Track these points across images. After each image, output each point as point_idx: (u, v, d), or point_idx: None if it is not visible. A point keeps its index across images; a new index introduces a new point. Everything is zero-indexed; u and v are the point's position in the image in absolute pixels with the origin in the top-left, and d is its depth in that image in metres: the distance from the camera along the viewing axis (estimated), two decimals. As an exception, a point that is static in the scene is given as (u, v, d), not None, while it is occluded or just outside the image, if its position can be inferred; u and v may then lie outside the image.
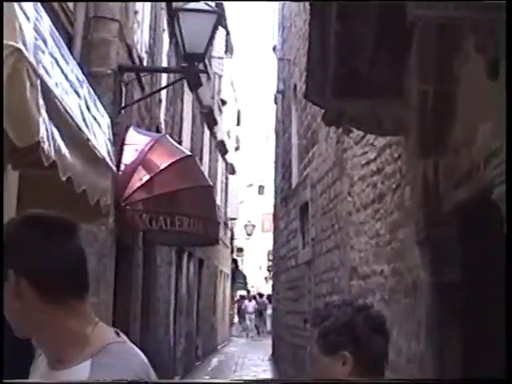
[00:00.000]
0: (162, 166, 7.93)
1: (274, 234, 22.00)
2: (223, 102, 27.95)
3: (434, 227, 5.41)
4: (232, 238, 37.35)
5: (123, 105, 7.63)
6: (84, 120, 4.26)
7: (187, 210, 7.89)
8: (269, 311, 32.61)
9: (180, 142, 16.04)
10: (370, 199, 7.88)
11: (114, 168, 5.10)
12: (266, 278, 44.74)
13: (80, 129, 4.06)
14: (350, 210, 8.88)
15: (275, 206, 20.78)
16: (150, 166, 7.92)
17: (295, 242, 14.62)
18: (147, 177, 7.79)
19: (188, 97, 17.72)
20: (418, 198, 5.76)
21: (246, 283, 45.32)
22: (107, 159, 4.80)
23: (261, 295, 40.47)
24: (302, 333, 13.04)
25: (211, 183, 8.88)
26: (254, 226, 38.53)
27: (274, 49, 22.14)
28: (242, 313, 37.42)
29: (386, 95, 6.14)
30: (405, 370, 6.43)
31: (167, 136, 9.13)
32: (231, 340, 32.89)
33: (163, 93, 12.97)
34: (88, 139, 4.22)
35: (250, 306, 36.62)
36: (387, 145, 7.30)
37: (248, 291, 45.29)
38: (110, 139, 5.11)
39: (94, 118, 4.70)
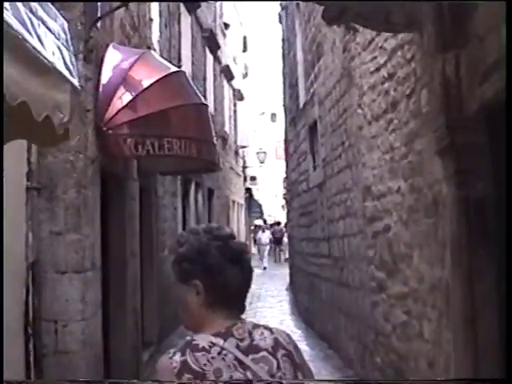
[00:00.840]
0: (147, 84, 7.12)
1: (286, 159, 21.26)
2: (226, 26, 26.99)
3: (458, 132, 4.69)
4: (244, 167, 36.78)
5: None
6: (22, 20, 3.46)
7: (177, 131, 7.11)
8: (286, 239, 32.21)
9: (179, 67, 15.30)
10: (382, 109, 7.18)
11: (76, 81, 4.29)
12: (282, 206, 44.30)
13: (13, 28, 3.26)
14: (361, 124, 8.19)
15: (285, 129, 19.99)
16: (133, 85, 7.12)
17: (305, 164, 13.97)
18: (130, 97, 7.01)
19: (186, 19, 16.80)
20: (438, 101, 5.04)
21: (262, 212, 44.80)
22: (61, 68, 4.00)
23: (278, 223, 40.04)
24: (317, 260, 12.55)
25: (204, 101, 8.05)
26: (265, 153, 37.61)
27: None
28: (256, 244, 35.97)
29: (395, -16, 5.36)
30: (428, 299, 5.80)
31: (152, 52, 8.28)
32: (248, 270, 32.46)
33: (154, 12, 12.09)
34: (25, 40, 3.41)
35: (264, 236, 34.82)
36: (398, 46, 6.54)
37: (265, 220, 44.85)
38: (67, 46, 4.29)
39: (42, 21, 3.88)
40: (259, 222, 44.31)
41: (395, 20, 5.63)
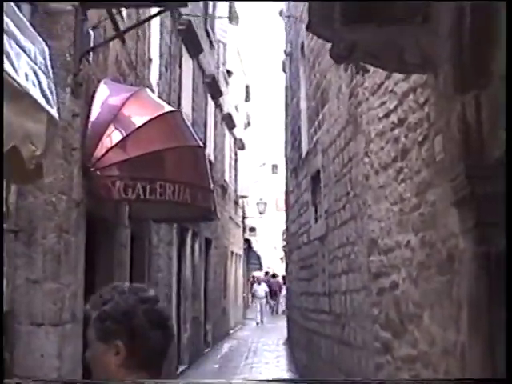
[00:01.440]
0: (140, 123, 6.68)
1: (286, 211, 20.86)
2: (229, 73, 26.77)
3: (479, 181, 4.23)
4: (244, 217, 36.33)
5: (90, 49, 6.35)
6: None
7: (171, 175, 6.64)
8: (284, 292, 31.69)
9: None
10: (391, 157, 6.76)
11: (54, 111, 3.85)
12: (281, 258, 43.95)
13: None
14: (367, 173, 7.77)
15: (286, 179, 19.61)
16: (125, 123, 6.69)
17: (307, 216, 13.53)
18: (121, 136, 6.56)
19: (187, 63, 16.49)
20: (455, 147, 4.61)
21: (261, 264, 44.28)
22: (36, 94, 3.56)
23: (274, 276, 39.70)
24: (317, 316, 12.04)
25: (201, 144, 7.60)
26: (265, 204, 37.22)
27: (281, 13, 20.97)
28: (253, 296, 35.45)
29: (409, 21, 4.97)
30: (440, 365, 5.28)
31: (147, 90, 7.85)
32: (246, 323, 31.84)
33: (154, 52, 11.75)
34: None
35: (260, 289, 33.97)
36: (411, 89, 6.15)
37: (267, 272, 44.31)
38: (45, 71, 3.86)
39: (15, 39, 3.45)
40: (259, 273, 43.84)
41: (408, 59, 5.23)
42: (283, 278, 33.70)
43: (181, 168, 6.84)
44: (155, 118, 6.83)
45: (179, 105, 15.15)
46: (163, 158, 6.74)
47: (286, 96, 19.56)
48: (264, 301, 33.21)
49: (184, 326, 16.22)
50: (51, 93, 3.91)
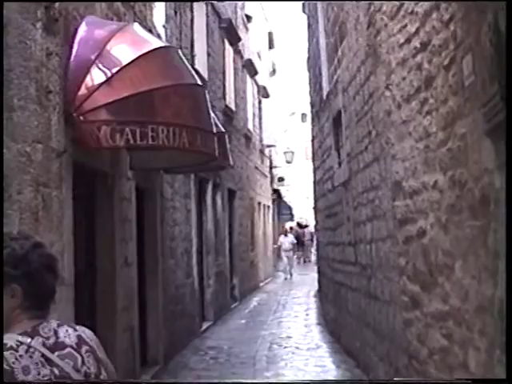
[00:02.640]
0: (128, 60, 5.92)
1: (312, 157, 20.13)
2: (248, 18, 25.77)
3: (518, 102, 3.47)
4: (271, 167, 35.59)
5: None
6: None
7: (164, 117, 5.89)
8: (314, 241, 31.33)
9: (193, 57, 14.23)
10: (414, 88, 6.04)
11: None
12: (313, 207, 43.33)
13: None
14: (389, 108, 7.07)
15: (312, 125, 18.83)
16: (111, 61, 5.92)
17: (330, 161, 12.85)
18: (105, 76, 5.82)
19: (200, 7, 15.62)
20: (487, 67, 3.85)
21: (292, 214, 43.60)
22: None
23: (301, 226, 39.11)
24: (343, 268, 11.42)
25: (199, 82, 6.84)
26: (293, 153, 36.26)
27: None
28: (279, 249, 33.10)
29: None
30: (474, 323, 4.59)
31: (137, 24, 7.08)
32: (277, 276, 31.30)
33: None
34: None
35: (286, 241, 31.25)
36: (434, 6, 5.35)
37: (300, 224, 43.79)
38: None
39: None
40: (292, 223, 43.31)
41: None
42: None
43: (176, 109, 6.07)
44: (146, 53, 6.06)
45: (192, 50, 14.41)
46: (155, 99, 5.97)
47: (308, 38, 18.68)
48: (291, 253, 31.35)
49: (207, 282, 15.68)
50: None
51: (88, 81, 5.83)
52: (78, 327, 2.56)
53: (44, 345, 2.38)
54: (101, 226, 7.33)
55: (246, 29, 25.47)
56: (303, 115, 52.67)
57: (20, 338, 2.35)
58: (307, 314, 17.36)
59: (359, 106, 9.02)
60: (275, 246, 33.49)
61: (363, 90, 8.63)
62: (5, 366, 2.25)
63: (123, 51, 6.18)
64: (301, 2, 20.19)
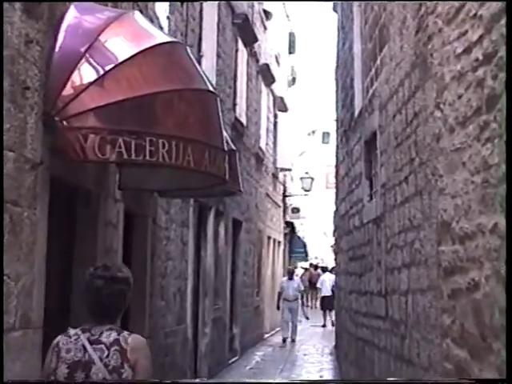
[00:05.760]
0: (125, 56, 5.82)
1: (336, 187, 20.16)
2: (267, 15, 25.94)
3: None
4: (285, 195, 35.71)
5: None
6: None
7: (166, 128, 5.79)
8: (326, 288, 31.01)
9: (200, 57, 14.27)
10: (473, 108, 5.95)
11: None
12: (332, 246, 43.29)
13: None
14: (439, 133, 7.02)
15: (337, 147, 18.86)
16: (104, 56, 5.83)
17: (359, 191, 12.82)
18: (97, 73, 5.73)
19: (211, -1, 15.72)
20: None
21: (306, 253, 43.63)
22: None
23: (316, 267, 39.01)
24: (369, 322, 11.35)
25: (211, 88, 6.75)
26: (312, 180, 36.40)
27: None
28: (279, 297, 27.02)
29: None
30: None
31: (138, 13, 7.00)
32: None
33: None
34: None
35: (291, 287, 26.94)
36: (503, 10, 5.25)
37: (315, 266, 43.69)
38: None
39: None
40: (304, 264, 43.29)
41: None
42: (331, 270, 33.08)
43: (180, 119, 5.97)
44: (147, 49, 5.98)
45: (199, 50, 14.54)
46: (156, 105, 5.87)
47: (338, 42, 18.73)
48: (295, 304, 27.34)
49: (203, 330, 15.63)
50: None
51: (75, 78, 5.78)
52: (124, 333, 4.46)
53: (88, 339, 4.35)
54: (80, 256, 7.27)
55: (264, 27, 25.65)
56: (325, 134, 53.02)
57: (77, 331, 4.42)
58: (321, 376, 17.25)
59: (400, 127, 8.99)
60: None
61: (406, 109, 8.61)
62: (60, 345, 4.38)
63: (120, 45, 6.16)
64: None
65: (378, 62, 10.76)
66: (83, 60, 5.83)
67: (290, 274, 27.76)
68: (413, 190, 8.28)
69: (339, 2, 18.11)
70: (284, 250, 36.57)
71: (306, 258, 44.22)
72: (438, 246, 7.01)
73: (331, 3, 20.30)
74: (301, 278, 37.84)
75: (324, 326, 32.01)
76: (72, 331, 4.37)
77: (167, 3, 11.41)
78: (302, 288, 28.70)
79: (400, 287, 8.99)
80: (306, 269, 41.20)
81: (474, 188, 5.90)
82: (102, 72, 5.84)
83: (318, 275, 37.02)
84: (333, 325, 30.94)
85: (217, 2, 16.43)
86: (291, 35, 36.16)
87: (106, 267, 4.58)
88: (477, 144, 5.84)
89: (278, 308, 26.91)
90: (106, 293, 4.44)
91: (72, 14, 6.08)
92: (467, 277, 6.04)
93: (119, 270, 4.66)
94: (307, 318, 30.17)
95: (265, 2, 25.56)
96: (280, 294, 26.96)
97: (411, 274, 8.36)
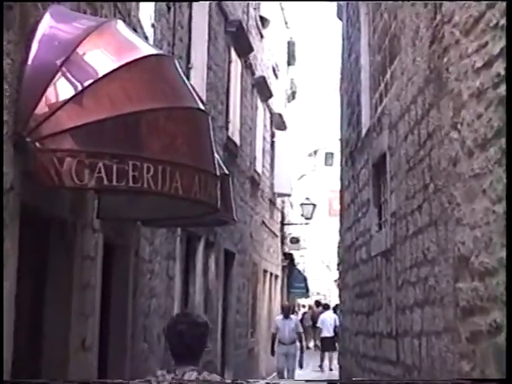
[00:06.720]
0: (106, 70, 5.86)
1: (341, 215, 20.25)
2: (263, 22, 26.17)
3: None
4: (283, 224, 35.89)
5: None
6: None
7: (151, 151, 5.83)
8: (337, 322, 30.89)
9: (188, 69, 14.39)
10: (494, 129, 6.09)
11: None
12: (336, 281, 43.35)
13: None
14: (456, 156, 7.15)
15: (341, 171, 18.99)
16: (83, 70, 5.88)
17: (367, 220, 12.97)
18: (75, 89, 5.79)
19: (201, 3, 15.83)
20: None
21: (307, 288, 43.84)
22: None
23: (319, 304, 39.09)
24: (378, 367, 11.40)
25: (201, 106, 6.82)
26: (314, 206, 36.64)
27: None
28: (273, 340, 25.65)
29: None
30: None
31: (122, 23, 7.07)
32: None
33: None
34: None
35: (286, 326, 24.87)
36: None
37: (318, 302, 43.90)
38: None
39: None
40: (303, 301, 43.39)
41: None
42: (334, 308, 33.18)
43: (168, 141, 5.97)
44: (131, 62, 6.01)
45: (188, 61, 14.68)
46: (140, 126, 5.88)
47: (343, 53, 18.91)
48: (293, 349, 25.20)
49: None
50: None
51: (50, 95, 5.80)
52: (204, 373, 5.62)
53: (173, 378, 5.45)
54: (53, 293, 7.28)
55: (261, 35, 25.87)
56: (328, 156, 53.48)
57: (163, 371, 5.65)
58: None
59: (412, 149, 9.13)
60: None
61: (419, 129, 8.74)
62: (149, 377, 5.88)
63: (100, 58, 6.18)
64: (335, 3, 20.48)
65: (388, 75, 10.94)
66: (59, 74, 5.86)
67: (286, 312, 25.88)
68: (427, 220, 8.40)
69: (344, 8, 18.29)
70: (282, 285, 36.76)
71: (306, 294, 44.41)
72: (455, 282, 7.10)
73: (335, 9, 20.49)
74: (303, 316, 37.91)
75: (320, 366, 31.95)
76: (159, 372, 5.67)
77: (152, 9, 11.52)
78: (301, 329, 26.56)
79: (412, 328, 9.10)
80: (309, 306, 41.32)
81: (495, 218, 5.98)
82: (80, 88, 5.87)
83: (320, 313, 37.01)
84: (331, 370, 30.94)
85: (207, 9, 16.57)
86: (290, 44, 36.49)
87: (186, 314, 6.68)
88: (498, 169, 5.92)
89: (273, 353, 25.48)
90: (189, 336, 5.68)
91: (47, 23, 6.13)
92: (488, 318, 6.12)
93: (198, 316, 6.29)
94: (301, 367, 27.03)
95: (261, 8, 25.79)
96: (274, 335, 25.28)
97: (425, 314, 8.46)
